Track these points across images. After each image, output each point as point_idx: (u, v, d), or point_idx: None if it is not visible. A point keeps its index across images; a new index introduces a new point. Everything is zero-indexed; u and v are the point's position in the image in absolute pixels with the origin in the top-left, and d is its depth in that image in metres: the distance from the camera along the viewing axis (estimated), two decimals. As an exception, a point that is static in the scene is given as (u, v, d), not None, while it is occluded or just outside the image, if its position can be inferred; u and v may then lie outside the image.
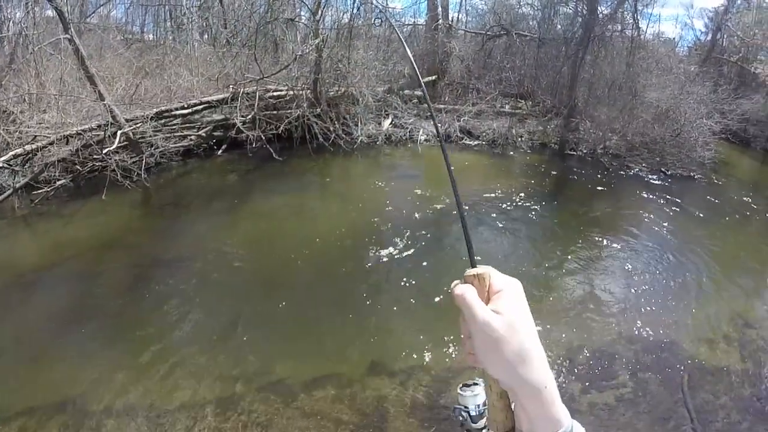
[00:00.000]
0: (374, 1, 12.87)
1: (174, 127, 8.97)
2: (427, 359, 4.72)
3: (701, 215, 9.41)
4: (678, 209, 9.58)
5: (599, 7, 13.74)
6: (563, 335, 5.23)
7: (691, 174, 11.53)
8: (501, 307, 0.71)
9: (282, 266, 6.17)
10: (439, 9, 13.82)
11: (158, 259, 6.05)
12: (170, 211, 7.39)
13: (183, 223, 7.04)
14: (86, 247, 6.06)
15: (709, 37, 20.51)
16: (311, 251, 6.55)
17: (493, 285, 0.74)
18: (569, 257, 7.01)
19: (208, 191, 8.17)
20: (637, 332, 5.69)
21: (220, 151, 9.64)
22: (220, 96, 9.80)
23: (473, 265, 0.76)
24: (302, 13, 12.10)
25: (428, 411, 4.10)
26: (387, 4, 13.68)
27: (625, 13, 15.05)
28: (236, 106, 9.58)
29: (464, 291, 0.72)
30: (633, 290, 6.34)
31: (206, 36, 13.63)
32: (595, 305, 5.89)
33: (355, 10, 11.95)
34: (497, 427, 0.78)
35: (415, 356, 4.75)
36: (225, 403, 3.97)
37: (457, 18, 16.05)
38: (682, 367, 5.29)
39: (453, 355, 4.84)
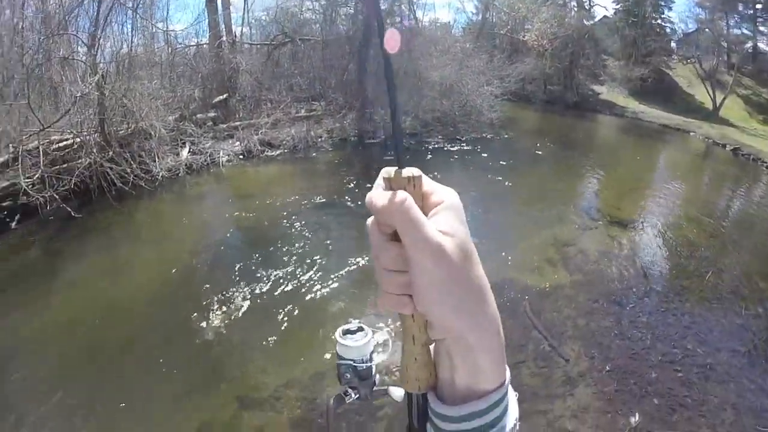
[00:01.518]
0: (154, 26, 12.77)
1: (-47, 206, 8.41)
2: (292, 375, 5.04)
3: (501, 165, 11.42)
4: (480, 166, 11.57)
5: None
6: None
7: (484, 135, 13.78)
8: (448, 225, 0.50)
9: (110, 334, 6.01)
10: (222, 26, 14.09)
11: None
12: (-34, 312, 6.86)
13: (-16, 322, 6.56)
14: None
15: (480, 16, 23.73)
16: (138, 307, 6.57)
17: (430, 194, 0.53)
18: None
19: (7, 275, 7.65)
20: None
21: (14, 224, 9.16)
22: (1, 159, 9.30)
23: (401, 166, 0.51)
24: (78, 49, 11.57)
25: (309, 424, 4.42)
26: (167, 27, 13.52)
27: (402, 5, 16.81)
28: (19, 168, 9.13)
29: (407, 198, 0.48)
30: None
31: (-26, 90, 12.25)
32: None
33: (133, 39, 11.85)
34: (419, 387, 0.59)
35: (279, 377, 5.02)
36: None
37: (241, 32, 16.48)
38: (523, 297, 6.33)
39: (312, 360, 5.26)
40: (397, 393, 1.34)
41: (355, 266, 7.31)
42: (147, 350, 5.78)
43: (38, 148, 9.58)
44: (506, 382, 0.59)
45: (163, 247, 8.66)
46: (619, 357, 5.39)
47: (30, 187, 9.03)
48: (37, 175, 9.28)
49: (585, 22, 24.14)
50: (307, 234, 8.56)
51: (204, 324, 6.13)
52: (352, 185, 10.66)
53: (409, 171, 0.51)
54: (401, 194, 0.48)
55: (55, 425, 4.84)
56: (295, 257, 7.69)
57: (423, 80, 14.89)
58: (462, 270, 0.51)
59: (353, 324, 1.43)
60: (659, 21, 25.31)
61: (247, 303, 6.54)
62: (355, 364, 1.32)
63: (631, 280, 7.16)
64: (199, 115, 13.22)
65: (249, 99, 14.68)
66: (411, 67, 14.96)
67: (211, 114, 13.58)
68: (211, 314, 6.31)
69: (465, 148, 13.22)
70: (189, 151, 12.16)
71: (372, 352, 1.37)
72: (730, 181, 14.30)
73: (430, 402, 0.59)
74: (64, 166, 10.03)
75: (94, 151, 10.27)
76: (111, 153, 10.58)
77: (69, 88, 10.97)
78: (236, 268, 7.43)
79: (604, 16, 26.23)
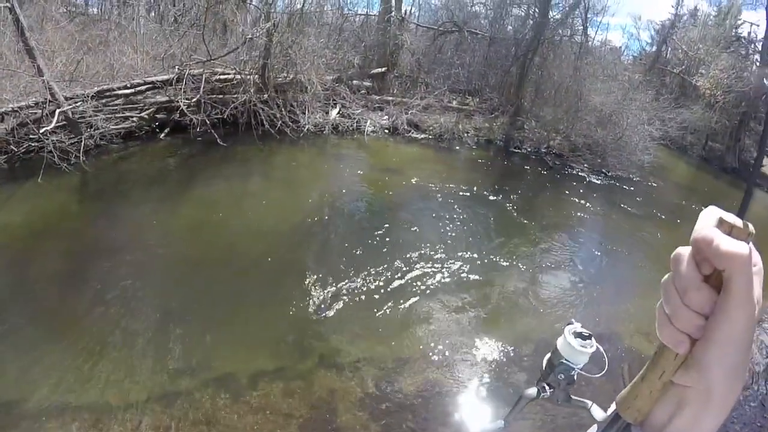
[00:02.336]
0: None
1: (115, 107, 8.73)
2: (376, 353, 4.77)
3: (638, 214, 10.07)
4: (616, 208, 10.23)
5: (550, 12, 14.24)
6: (508, 326, 5.40)
7: (630, 176, 12.23)
8: (758, 291, 0.51)
9: (224, 256, 6.11)
10: (393, 1, 13.85)
11: (96, 247, 5.91)
12: (109, 197, 7.25)
13: (122, 210, 6.90)
14: (20, 234, 5.88)
15: (654, 48, 21.63)
16: (254, 241, 6.54)
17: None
18: (514, 250, 7.30)
19: (149, 176, 8.04)
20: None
21: (163, 135, 9.45)
22: (165, 77, 9.56)
23: (743, 216, 0.49)
24: (258, -5, 11.88)
25: (378, 404, 4.16)
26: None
27: (575, 19, 15.64)
28: (181, 88, 9.36)
29: (754, 255, 0.49)
30: (575, 284, 6.66)
31: (153, 13, 13.18)
32: (538, 297, 6.15)
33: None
34: (636, 418, 0.60)
35: (363, 349, 4.80)
36: (170, 400, 3.88)
37: (410, 11, 16.21)
38: (622, 357, 5.42)
39: (403, 347, 4.90)
40: (599, 413, 1.28)
41: (479, 271, 6.48)
42: (250, 280, 5.73)
43: (201, 75, 9.77)
44: None
45: (293, 193, 8.38)
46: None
47: (186, 107, 9.21)
48: (195, 99, 9.45)
49: (766, 81, 20.88)
50: (437, 221, 7.83)
51: (308, 276, 5.82)
52: (492, 188, 9.73)
53: (751, 226, 0.49)
54: (747, 247, 0.48)
55: (149, 308, 4.96)
56: (418, 241, 7.03)
57: (583, 102, 13.54)
58: (751, 338, 0.52)
59: (584, 329, 1.33)
60: None
61: (356, 271, 6.06)
62: (573, 367, 1.26)
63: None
64: (355, 82, 13.06)
65: (406, 78, 14.33)
66: (573, 85, 13.75)
67: (367, 83, 13.38)
68: (318, 269, 5.97)
69: (609, 183, 11.73)
70: (338, 113, 11.94)
71: (585, 364, 1.30)
72: None
73: None
74: (221, 97, 10.16)
75: (251, 90, 10.32)
76: (266, 96, 10.60)
77: (242, 28, 11.26)
78: (356, 234, 7.03)
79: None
